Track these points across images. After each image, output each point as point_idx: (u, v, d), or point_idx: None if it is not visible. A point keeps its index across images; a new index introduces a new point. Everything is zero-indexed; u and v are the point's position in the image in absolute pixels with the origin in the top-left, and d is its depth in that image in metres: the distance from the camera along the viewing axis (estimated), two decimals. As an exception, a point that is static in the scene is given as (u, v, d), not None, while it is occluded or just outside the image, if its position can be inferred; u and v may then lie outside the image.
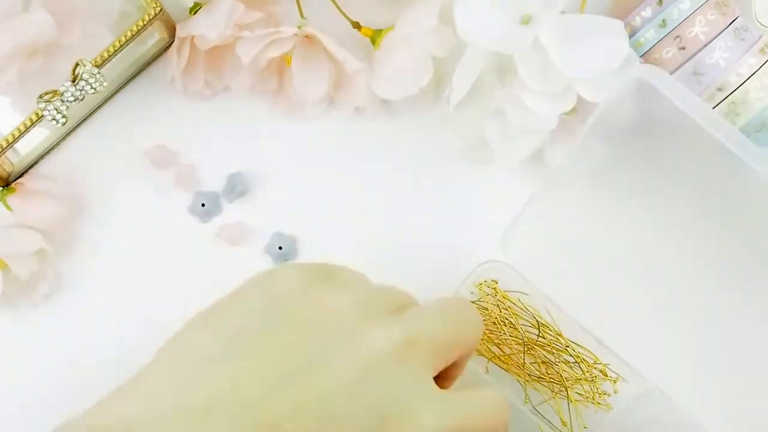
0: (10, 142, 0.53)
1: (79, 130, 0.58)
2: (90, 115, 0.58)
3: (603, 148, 0.50)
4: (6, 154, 0.54)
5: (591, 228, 0.55)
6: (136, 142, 0.58)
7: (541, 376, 0.55)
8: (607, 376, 0.55)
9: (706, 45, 0.53)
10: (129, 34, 0.53)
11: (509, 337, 0.55)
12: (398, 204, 0.59)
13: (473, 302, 0.55)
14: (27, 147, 0.57)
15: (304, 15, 0.56)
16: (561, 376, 0.54)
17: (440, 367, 0.41)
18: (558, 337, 0.55)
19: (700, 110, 0.44)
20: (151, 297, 0.57)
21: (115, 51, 0.53)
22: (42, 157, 0.58)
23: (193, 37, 0.54)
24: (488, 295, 0.55)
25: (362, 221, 0.59)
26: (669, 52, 0.53)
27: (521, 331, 0.55)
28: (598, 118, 0.47)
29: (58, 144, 0.58)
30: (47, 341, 0.57)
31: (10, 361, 0.58)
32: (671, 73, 0.53)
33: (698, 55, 0.53)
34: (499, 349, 0.55)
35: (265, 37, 0.54)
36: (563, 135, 0.55)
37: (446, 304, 0.43)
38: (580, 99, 0.51)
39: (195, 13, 0.55)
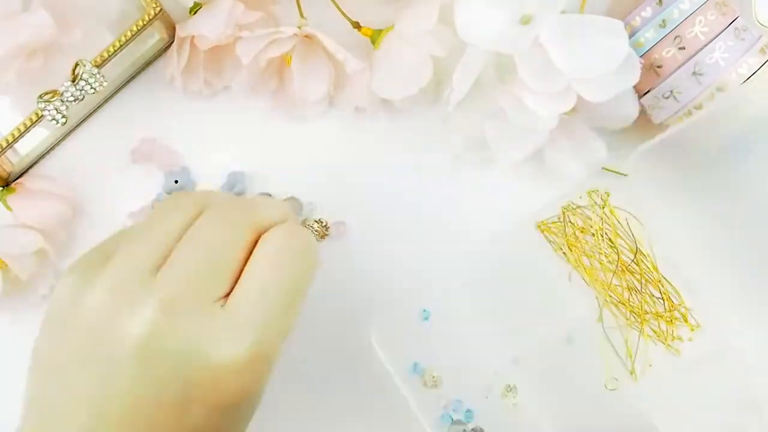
0: (10, 142, 0.53)
1: (79, 130, 0.58)
2: (90, 115, 0.58)
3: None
4: (6, 154, 0.54)
5: (719, 182, 0.54)
6: (136, 142, 0.58)
7: (622, 301, 0.54)
8: (687, 321, 0.54)
9: (706, 45, 0.53)
10: (129, 34, 0.53)
11: (603, 253, 0.54)
12: (398, 204, 0.59)
13: (579, 207, 0.54)
14: (27, 147, 0.57)
15: (304, 15, 0.56)
16: (642, 307, 0.54)
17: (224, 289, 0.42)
18: (652, 269, 0.54)
19: None
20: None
21: (115, 51, 0.53)
22: (42, 157, 0.58)
23: (193, 36, 0.54)
24: (596, 205, 0.54)
25: (362, 221, 0.59)
26: (669, 52, 0.53)
27: (617, 249, 0.54)
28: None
29: (58, 144, 0.58)
30: (47, 341, 0.57)
31: (10, 361, 0.58)
32: (671, 73, 0.53)
33: (698, 55, 0.53)
34: (590, 261, 0.54)
35: (265, 37, 0.54)
36: (563, 135, 0.55)
37: (195, 235, 0.43)
38: (580, 99, 0.51)
39: (195, 13, 0.55)
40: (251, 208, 0.44)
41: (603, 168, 0.58)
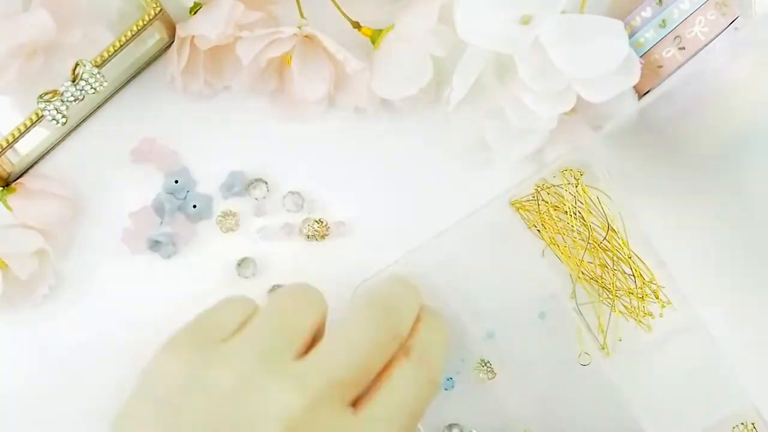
0: (10, 142, 0.53)
1: (79, 130, 0.58)
2: (90, 115, 0.58)
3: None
4: (6, 154, 0.54)
5: (687, 159, 0.55)
6: (136, 142, 0.58)
7: (594, 278, 0.55)
8: (658, 297, 0.55)
9: (706, 45, 0.53)
10: (129, 34, 0.53)
11: (575, 231, 0.55)
12: (398, 204, 0.59)
13: (552, 186, 0.55)
14: (27, 147, 0.57)
15: (304, 15, 0.56)
16: (614, 283, 0.54)
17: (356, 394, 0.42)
18: (623, 245, 0.54)
19: None
20: (151, 296, 0.57)
21: (115, 51, 0.53)
22: (42, 157, 0.58)
23: (193, 37, 0.54)
24: (569, 184, 0.55)
25: (362, 221, 0.59)
26: (669, 52, 0.53)
27: (589, 227, 0.54)
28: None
29: (58, 144, 0.58)
30: (47, 341, 0.57)
31: (10, 361, 0.58)
32: (671, 74, 0.53)
33: (698, 55, 0.53)
34: (563, 239, 0.55)
35: (265, 37, 0.54)
36: (563, 135, 0.55)
37: (347, 334, 0.44)
38: (579, 99, 0.51)
39: (195, 13, 0.55)
40: (398, 317, 0.45)
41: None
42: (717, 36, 0.53)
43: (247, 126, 0.59)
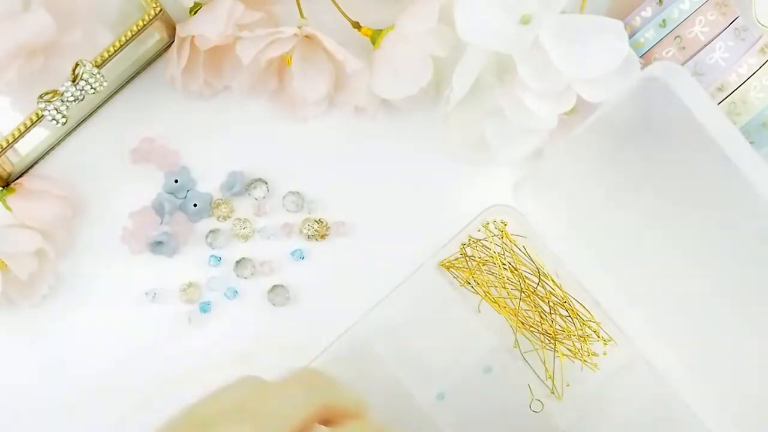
0: (10, 142, 0.53)
1: (79, 130, 0.58)
2: (90, 115, 0.58)
3: (612, 130, 0.50)
4: (6, 154, 0.54)
5: (600, 195, 0.55)
6: (136, 142, 0.58)
7: (533, 325, 0.55)
8: (599, 336, 0.55)
9: (706, 45, 0.53)
10: (129, 34, 0.53)
11: (507, 281, 0.55)
12: (398, 203, 0.59)
13: (478, 240, 0.55)
14: (27, 147, 0.57)
15: (304, 15, 0.56)
16: (553, 328, 0.54)
17: None
18: (556, 288, 0.55)
19: (707, 114, 0.45)
20: (151, 296, 0.57)
21: (115, 51, 0.53)
22: (42, 157, 0.58)
23: (193, 37, 0.54)
24: (494, 235, 0.55)
25: (362, 221, 0.59)
26: (669, 52, 0.53)
27: (522, 276, 0.55)
28: (614, 104, 0.48)
29: (58, 144, 0.58)
30: (47, 341, 0.57)
31: (10, 361, 0.58)
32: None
33: (698, 55, 0.53)
34: (496, 290, 0.55)
35: (265, 37, 0.54)
36: (563, 135, 0.55)
37: None
38: (579, 99, 0.51)
39: (195, 13, 0.55)
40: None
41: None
42: (717, 36, 0.53)
43: (247, 126, 0.59)
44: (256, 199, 0.58)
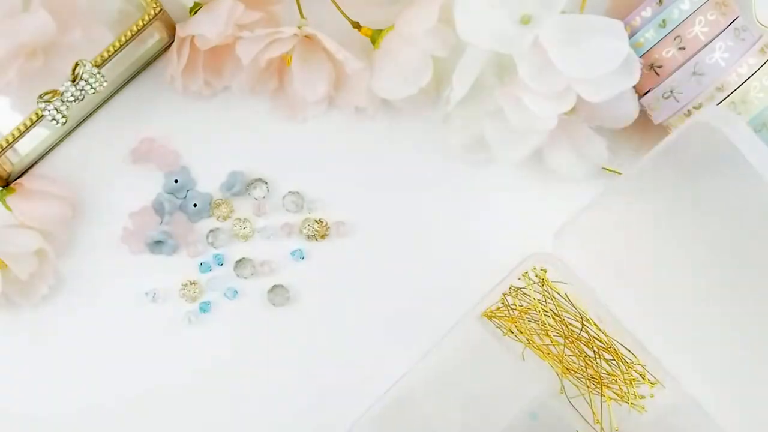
0: (10, 142, 0.53)
1: (79, 130, 0.58)
2: (90, 115, 0.58)
3: (669, 173, 0.50)
4: (6, 154, 0.54)
5: (646, 240, 0.55)
6: (136, 142, 0.58)
7: (578, 370, 0.55)
8: (645, 378, 0.55)
9: (706, 45, 0.53)
10: (129, 34, 0.53)
11: (551, 328, 0.54)
12: (398, 203, 0.59)
13: (518, 289, 0.55)
14: (27, 147, 0.57)
15: (304, 15, 0.56)
16: (599, 372, 0.54)
17: None
18: (600, 332, 0.54)
19: (762, 161, 0.45)
20: (151, 296, 0.57)
21: (115, 51, 0.53)
22: (42, 157, 0.58)
23: (193, 36, 0.54)
24: (535, 283, 0.55)
25: (362, 221, 0.59)
26: (669, 52, 0.53)
27: (564, 322, 0.54)
28: (669, 146, 0.48)
29: (58, 144, 0.58)
30: (47, 341, 0.57)
31: (10, 361, 0.58)
32: (671, 73, 0.53)
33: (698, 55, 0.53)
34: (540, 338, 0.55)
35: (265, 37, 0.54)
36: (563, 135, 0.55)
37: None
38: (579, 99, 0.51)
39: (195, 13, 0.55)
40: None
41: (603, 168, 0.58)
42: (717, 36, 0.53)
43: (247, 126, 0.59)
44: (256, 199, 0.58)
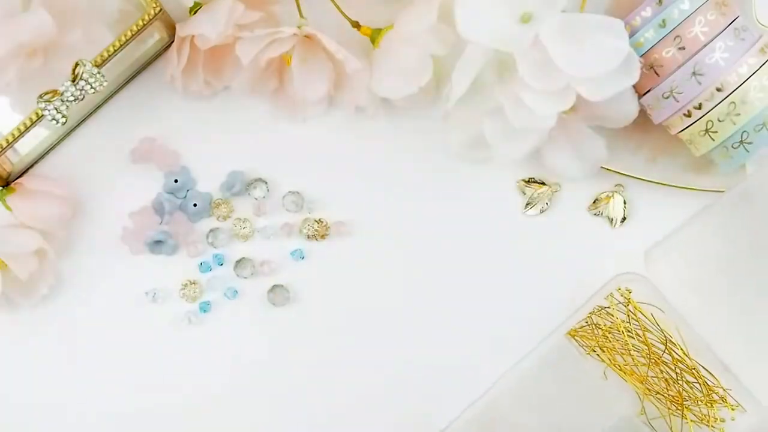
0: (10, 142, 0.53)
1: (79, 130, 0.59)
2: (90, 115, 0.58)
3: (752, 204, 0.51)
4: (6, 154, 0.54)
5: (739, 265, 0.55)
6: (136, 142, 0.58)
7: (660, 391, 0.55)
8: (726, 402, 0.55)
9: (706, 45, 0.53)
10: (129, 33, 0.53)
11: (634, 349, 0.55)
12: (398, 203, 0.59)
13: (602, 308, 0.55)
14: (27, 147, 0.57)
15: (304, 15, 0.56)
16: (681, 395, 0.54)
17: None
18: (684, 356, 0.55)
19: None
20: (151, 296, 0.57)
21: (115, 51, 0.53)
22: (42, 157, 0.58)
23: (193, 36, 0.54)
24: (619, 303, 0.55)
25: (362, 220, 0.59)
26: (669, 52, 0.53)
27: (648, 343, 0.55)
28: (755, 178, 0.49)
29: (58, 144, 0.58)
30: (47, 341, 0.57)
31: (10, 361, 0.58)
32: (671, 73, 0.53)
33: (698, 55, 0.53)
34: (623, 358, 0.55)
35: (265, 37, 0.54)
36: (562, 134, 0.55)
37: None
38: (579, 98, 0.51)
39: (195, 13, 0.55)
40: None
41: (602, 167, 0.58)
42: (717, 36, 0.53)
43: (247, 126, 0.59)
44: (256, 199, 0.58)
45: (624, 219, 0.59)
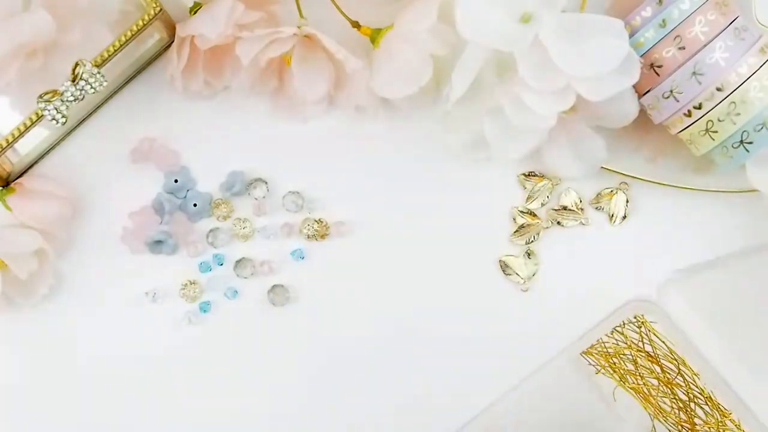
0: (10, 142, 0.53)
1: (79, 130, 0.59)
2: (90, 115, 0.58)
3: None
4: (6, 154, 0.54)
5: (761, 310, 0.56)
6: (136, 142, 0.58)
7: (671, 413, 0.55)
8: (739, 428, 0.55)
9: (706, 45, 0.53)
10: (129, 33, 0.53)
11: (645, 370, 0.55)
12: (398, 203, 0.59)
13: (616, 329, 0.56)
14: (27, 147, 0.57)
15: (304, 15, 0.56)
16: (692, 418, 0.55)
17: None
18: (695, 378, 0.55)
19: None
20: (151, 296, 0.57)
21: (115, 51, 0.53)
22: (42, 157, 0.58)
23: (193, 36, 0.54)
24: (632, 323, 0.56)
25: (362, 220, 0.59)
26: (669, 51, 0.53)
27: (660, 364, 0.55)
28: None
29: (58, 144, 0.58)
30: (47, 341, 0.57)
31: (10, 361, 0.58)
32: (671, 73, 0.53)
33: (698, 55, 0.53)
34: (634, 379, 0.56)
35: (265, 37, 0.54)
36: (562, 134, 0.55)
37: None
38: (579, 98, 0.51)
39: (195, 13, 0.55)
40: None
41: (602, 167, 0.58)
42: (717, 36, 0.53)
43: (247, 126, 0.59)
44: (256, 198, 0.58)
45: (625, 217, 0.59)
